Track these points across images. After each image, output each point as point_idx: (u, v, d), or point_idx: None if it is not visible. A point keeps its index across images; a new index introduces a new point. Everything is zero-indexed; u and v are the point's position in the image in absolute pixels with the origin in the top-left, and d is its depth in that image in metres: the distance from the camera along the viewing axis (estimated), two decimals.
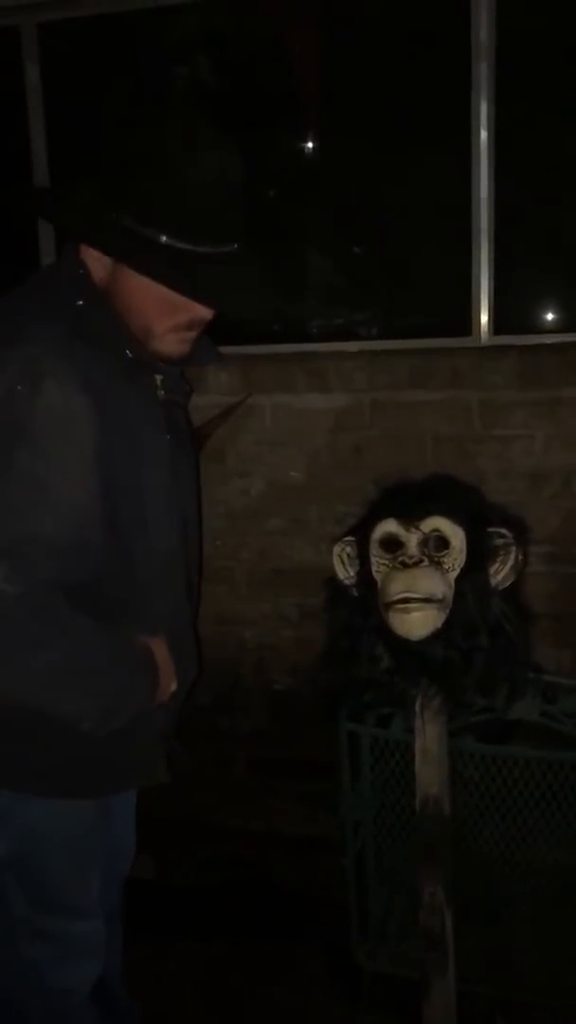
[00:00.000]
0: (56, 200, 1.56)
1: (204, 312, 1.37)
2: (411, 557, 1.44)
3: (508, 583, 1.49)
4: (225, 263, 1.34)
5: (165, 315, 1.35)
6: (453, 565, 1.45)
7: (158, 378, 1.45)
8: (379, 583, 1.47)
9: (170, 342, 1.38)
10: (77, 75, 3.16)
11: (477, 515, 1.52)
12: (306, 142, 3.15)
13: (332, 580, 1.58)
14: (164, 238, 1.29)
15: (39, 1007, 1.55)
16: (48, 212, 1.50)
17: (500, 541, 1.48)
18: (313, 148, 3.18)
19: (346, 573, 1.56)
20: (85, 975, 1.56)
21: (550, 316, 3.07)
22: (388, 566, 1.46)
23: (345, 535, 1.57)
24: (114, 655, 1.36)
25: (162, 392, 1.46)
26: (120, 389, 1.33)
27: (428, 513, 1.46)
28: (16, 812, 1.44)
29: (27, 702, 1.30)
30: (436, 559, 1.45)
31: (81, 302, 1.34)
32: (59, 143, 3.21)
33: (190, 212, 1.30)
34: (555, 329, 3.02)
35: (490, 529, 1.49)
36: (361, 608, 1.52)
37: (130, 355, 1.37)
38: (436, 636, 1.43)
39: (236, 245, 1.35)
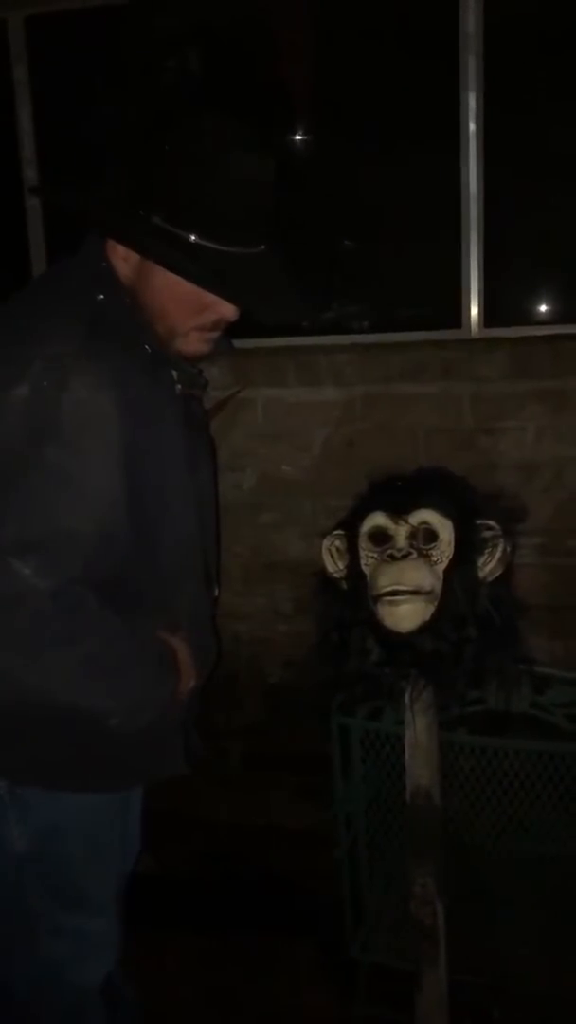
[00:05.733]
0: (85, 194, 1.55)
1: (230, 312, 1.37)
2: (399, 550, 1.44)
3: (497, 574, 1.49)
4: (254, 264, 1.34)
5: (191, 315, 1.35)
6: (441, 557, 1.45)
7: (175, 373, 1.45)
8: (368, 576, 1.47)
9: (193, 341, 1.39)
10: (64, 69, 3.15)
11: (466, 507, 1.52)
12: (294, 135, 3.14)
13: (321, 573, 1.58)
14: (194, 237, 1.29)
15: (56, 1003, 1.55)
16: (78, 206, 1.49)
17: (488, 533, 1.48)
18: (301, 141, 3.17)
19: (335, 566, 1.56)
20: (100, 970, 1.57)
21: (541, 308, 3.07)
22: (377, 559, 1.46)
23: (334, 528, 1.57)
24: (141, 652, 1.37)
25: (179, 386, 1.46)
26: (141, 383, 1.34)
27: (416, 506, 1.47)
28: (38, 807, 1.44)
29: (56, 698, 1.30)
30: (424, 551, 1.45)
31: (101, 296, 1.34)
32: (47, 138, 3.21)
33: (221, 213, 1.30)
34: (546, 321, 3.02)
35: (479, 521, 1.49)
36: (350, 601, 1.53)
37: (149, 350, 1.37)
38: (425, 628, 1.43)
39: (264, 247, 1.35)
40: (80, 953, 1.53)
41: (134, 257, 1.35)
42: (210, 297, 1.34)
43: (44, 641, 1.24)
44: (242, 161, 1.31)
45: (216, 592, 1.79)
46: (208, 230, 1.29)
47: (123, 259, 1.36)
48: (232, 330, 1.49)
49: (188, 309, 1.35)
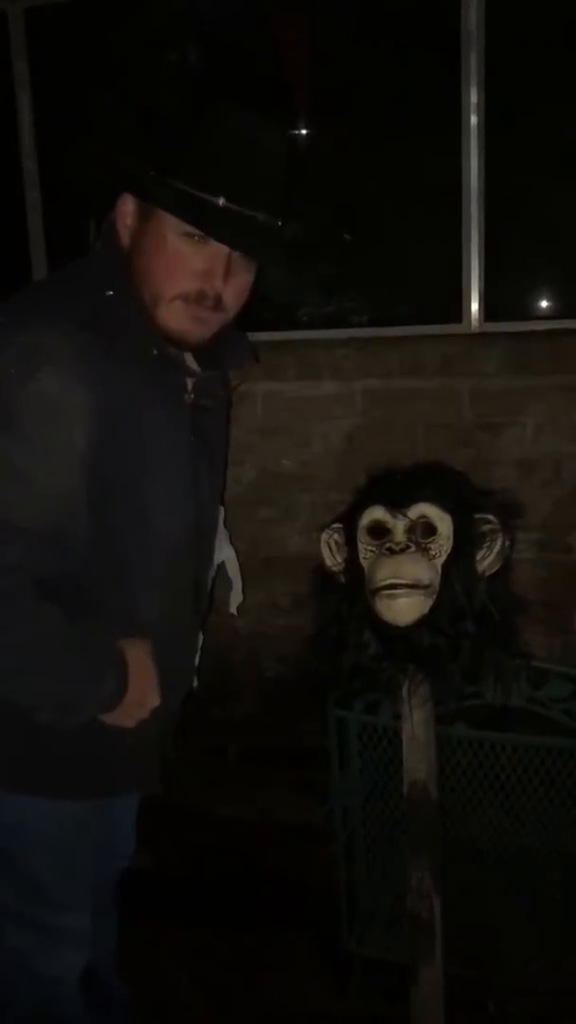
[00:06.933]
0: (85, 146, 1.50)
1: (214, 281, 1.30)
2: (398, 543, 1.43)
3: (495, 569, 1.48)
4: (250, 227, 1.28)
5: (173, 277, 1.30)
6: (440, 551, 1.44)
7: (189, 381, 1.41)
8: (366, 570, 1.46)
9: (178, 313, 1.31)
10: (64, 61, 3.14)
11: (464, 501, 1.51)
12: (296, 130, 3.13)
13: (320, 567, 1.58)
14: (181, 184, 1.26)
15: (25, 994, 1.55)
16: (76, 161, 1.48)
17: (487, 527, 1.48)
18: (303, 136, 3.17)
19: (334, 560, 1.55)
20: (71, 964, 1.56)
21: (541, 303, 3.07)
22: (375, 553, 1.45)
23: (333, 522, 1.57)
24: (79, 650, 1.31)
25: (191, 395, 1.42)
26: (136, 387, 1.30)
27: (415, 500, 1.46)
28: (1, 803, 1.43)
29: None
30: (423, 545, 1.44)
31: (111, 292, 1.31)
32: (47, 130, 3.20)
33: (204, 162, 1.26)
34: (545, 316, 3.02)
35: (477, 515, 1.49)
36: (348, 595, 1.52)
37: (156, 353, 1.33)
38: (423, 622, 1.43)
39: (262, 215, 1.29)
40: (46, 946, 1.52)
41: (133, 223, 1.33)
42: (191, 254, 1.29)
43: None
44: (237, 122, 1.29)
45: (232, 596, 1.74)
46: (190, 176, 1.26)
47: (125, 227, 1.34)
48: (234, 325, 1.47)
49: (170, 271, 1.30)
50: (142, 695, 1.38)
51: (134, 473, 1.32)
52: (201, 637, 1.63)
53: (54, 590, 1.27)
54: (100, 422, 1.24)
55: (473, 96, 2.83)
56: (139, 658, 1.37)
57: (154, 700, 1.40)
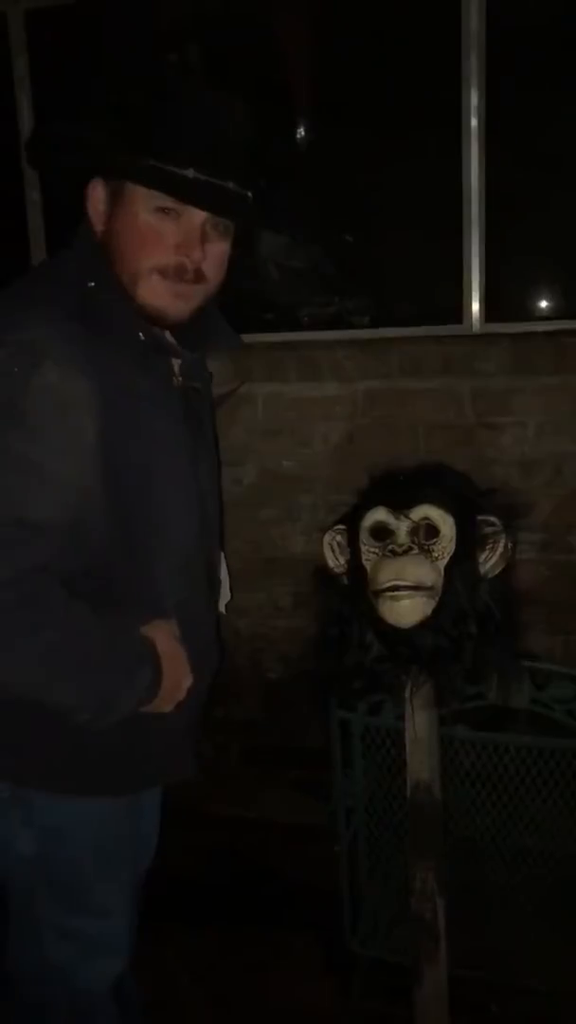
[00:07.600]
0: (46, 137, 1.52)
1: (192, 254, 1.31)
2: (400, 545, 1.43)
3: (498, 571, 1.49)
4: (222, 195, 1.30)
5: (148, 251, 1.30)
6: (442, 553, 1.44)
7: (176, 364, 1.42)
8: (369, 571, 1.47)
9: (157, 288, 1.32)
10: (65, 63, 3.14)
11: (467, 503, 1.51)
12: (296, 130, 3.13)
13: (322, 569, 1.58)
14: (149, 160, 1.27)
15: (65, 1005, 1.53)
16: (35, 146, 1.49)
17: (489, 529, 1.48)
18: (304, 136, 3.17)
19: (336, 562, 1.55)
20: (109, 973, 1.54)
21: (542, 303, 3.07)
22: (378, 554, 1.46)
23: (335, 524, 1.57)
24: (111, 646, 1.31)
25: (179, 378, 1.42)
26: (130, 374, 1.31)
27: (418, 501, 1.46)
28: (41, 810, 1.41)
29: (20, 692, 1.27)
30: (426, 547, 1.44)
31: (92, 283, 1.31)
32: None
33: (171, 138, 1.27)
34: (546, 316, 3.02)
35: (479, 517, 1.49)
36: (351, 596, 1.52)
37: (143, 338, 1.33)
38: (425, 624, 1.43)
39: (232, 184, 1.30)
40: (87, 956, 1.50)
41: (104, 208, 1.34)
42: (164, 228, 1.30)
43: (2, 633, 1.21)
44: (201, 96, 1.31)
45: (220, 594, 1.75)
46: (163, 154, 1.27)
47: (97, 213, 1.35)
48: (235, 326, 1.47)
49: (145, 244, 1.30)
50: (177, 678, 1.39)
51: (140, 462, 1.33)
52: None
53: (77, 584, 1.27)
54: (105, 412, 1.25)
55: (473, 97, 2.83)
56: (167, 642, 1.38)
57: (188, 680, 1.41)
